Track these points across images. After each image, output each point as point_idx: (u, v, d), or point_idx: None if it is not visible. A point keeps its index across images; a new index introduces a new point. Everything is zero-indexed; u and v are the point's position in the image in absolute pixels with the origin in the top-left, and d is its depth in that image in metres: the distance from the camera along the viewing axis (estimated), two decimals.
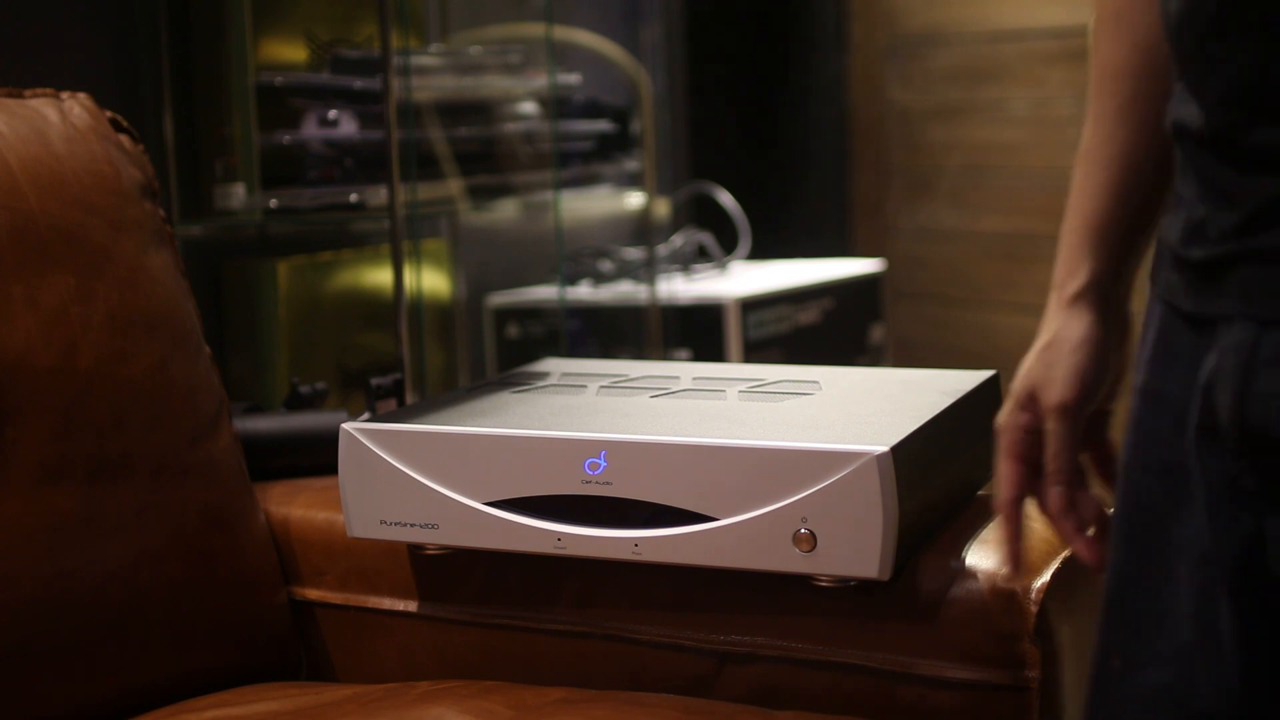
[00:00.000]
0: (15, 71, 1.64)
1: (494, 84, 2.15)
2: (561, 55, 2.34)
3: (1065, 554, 1.09)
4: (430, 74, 2.02)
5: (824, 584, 1.10)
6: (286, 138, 1.86)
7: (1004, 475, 0.97)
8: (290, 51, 1.92)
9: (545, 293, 2.39)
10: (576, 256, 2.45)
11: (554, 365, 1.45)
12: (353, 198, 1.85)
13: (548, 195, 2.20)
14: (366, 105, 1.88)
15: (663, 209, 2.62)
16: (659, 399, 1.27)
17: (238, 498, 1.33)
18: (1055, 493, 0.95)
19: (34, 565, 1.17)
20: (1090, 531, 0.95)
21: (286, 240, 2.01)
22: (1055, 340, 0.95)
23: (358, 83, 1.88)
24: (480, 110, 2.12)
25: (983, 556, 1.08)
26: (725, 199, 2.69)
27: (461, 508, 1.18)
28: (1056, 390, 0.95)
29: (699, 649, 1.17)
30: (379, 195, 1.85)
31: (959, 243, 3.02)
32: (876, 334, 2.63)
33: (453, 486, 1.19)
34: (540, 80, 2.21)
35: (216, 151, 1.85)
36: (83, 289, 1.24)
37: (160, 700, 1.23)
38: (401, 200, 1.81)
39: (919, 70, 3.10)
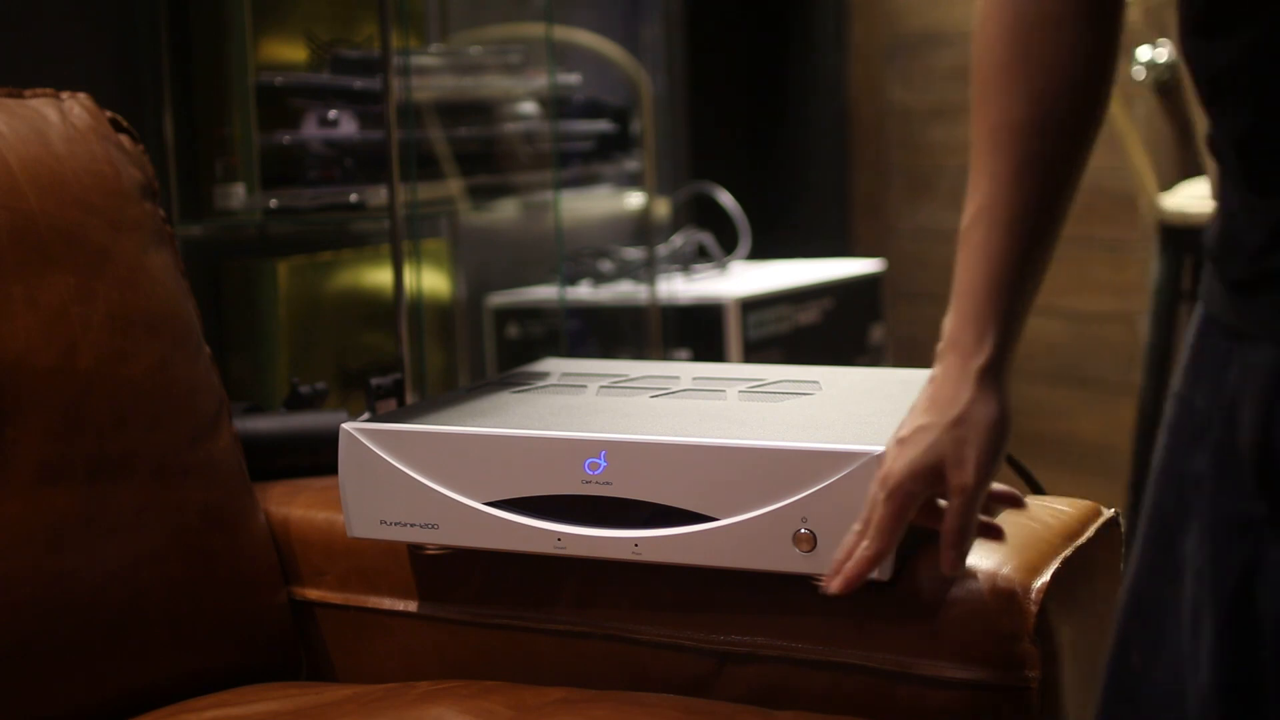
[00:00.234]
0: (15, 71, 1.64)
1: (494, 84, 2.15)
2: (561, 55, 2.34)
3: (1065, 554, 1.09)
4: (430, 74, 2.02)
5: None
6: (286, 138, 1.86)
7: (886, 532, 0.99)
8: (290, 51, 1.92)
9: (545, 293, 2.39)
10: (576, 256, 2.45)
11: (554, 365, 1.45)
12: (353, 198, 1.85)
13: (548, 195, 2.20)
14: (366, 105, 1.87)
15: (663, 209, 2.62)
16: (659, 399, 1.27)
17: (238, 498, 1.33)
18: (951, 556, 0.99)
19: (34, 565, 1.17)
20: None
21: (286, 240, 2.01)
22: (967, 419, 0.95)
23: (358, 83, 1.88)
24: (480, 110, 2.12)
25: (983, 557, 1.08)
26: (725, 199, 2.69)
27: (461, 508, 1.18)
28: (969, 472, 0.96)
29: (699, 649, 1.17)
30: (379, 195, 1.85)
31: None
32: (876, 334, 2.63)
33: (453, 486, 1.19)
34: (540, 80, 2.21)
35: (216, 151, 1.85)
36: (83, 289, 1.24)
37: (160, 700, 1.23)
38: (401, 200, 1.81)
39: (919, 70, 3.10)
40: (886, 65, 3.17)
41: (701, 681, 1.17)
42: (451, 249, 2.24)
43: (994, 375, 0.95)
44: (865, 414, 1.17)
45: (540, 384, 1.35)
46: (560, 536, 1.16)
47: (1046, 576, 1.06)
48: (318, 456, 1.46)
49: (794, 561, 1.08)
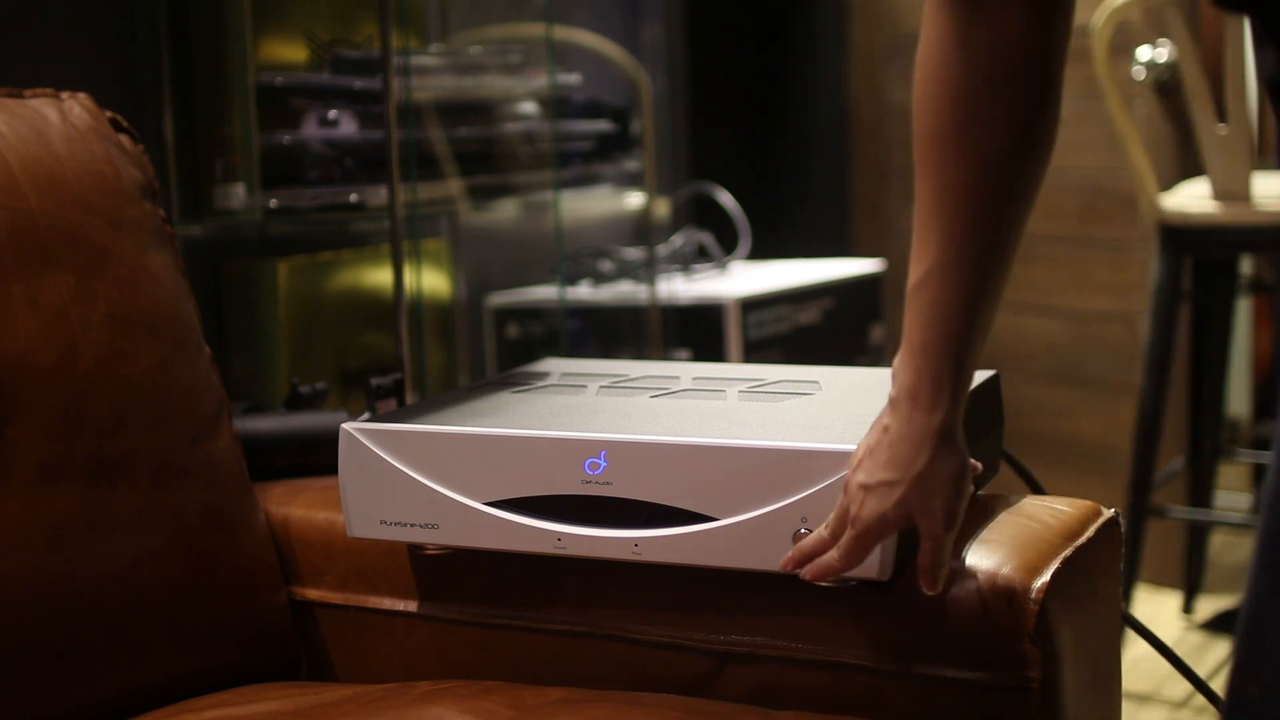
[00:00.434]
0: (15, 71, 1.64)
1: (494, 84, 2.15)
2: (561, 55, 2.34)
3: (1065, 554, 1.09)
4: (430, 74, 2.02)
5: (824, 584, 1.10)
6: (286, 138, 1.86)
7: (854, 556, 1.04)
8: (290, 51, 1.92)
9: (545, 293, 2.39)
10: (576, 256, 2.45)
11: (554, 365, 1.45)
12: (353, 198, 1.85)
13: (548, 195, 2.20)
14: (366, 105, 1.87)
15: (663, 209, 2.62)
16: (659, 399, 1.27)
17: (238, 498, 1.33)
18: (929, 580, 1.04)
19: (34, 565, 1.17)
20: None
21: (286, 240, 2.01)
22: (930, 475, 0.99)
23: (358, 83, 1.88)
24: (480, 110, 2.12)
25: (983, 556, 1.08)
26: (725, 199, 2.69)
27: (461, 508, 1.18)
28: (939, 521, 1.01)
29: (699, 649, 1.17)
30: (379, 195, 1.85)
31: None
32: (876, 334, 2.63)
33: (453, 486, 1.19)
34: (540, 80, 2.21)
35: (216, 151, 1.85)
36: (83, 289, 1.24)
37: (160, 700, 1.23)
38: (401, 200, 1.81)
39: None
40: (886, 65, 3.17)
41: (701, 681, 1.17)
42: (451, 249, 2.24)
43: (952, 429, 0.99)
44: (865, 414, 1.17)
45: (540, 384, 1.35)
46: (560, 536, 1.16)
47: (1046, 576, 1.06)
48: (318, 456, 1.46)
49: None
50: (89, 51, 1.80)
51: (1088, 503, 1.19)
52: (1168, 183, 2.57)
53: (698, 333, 2.29)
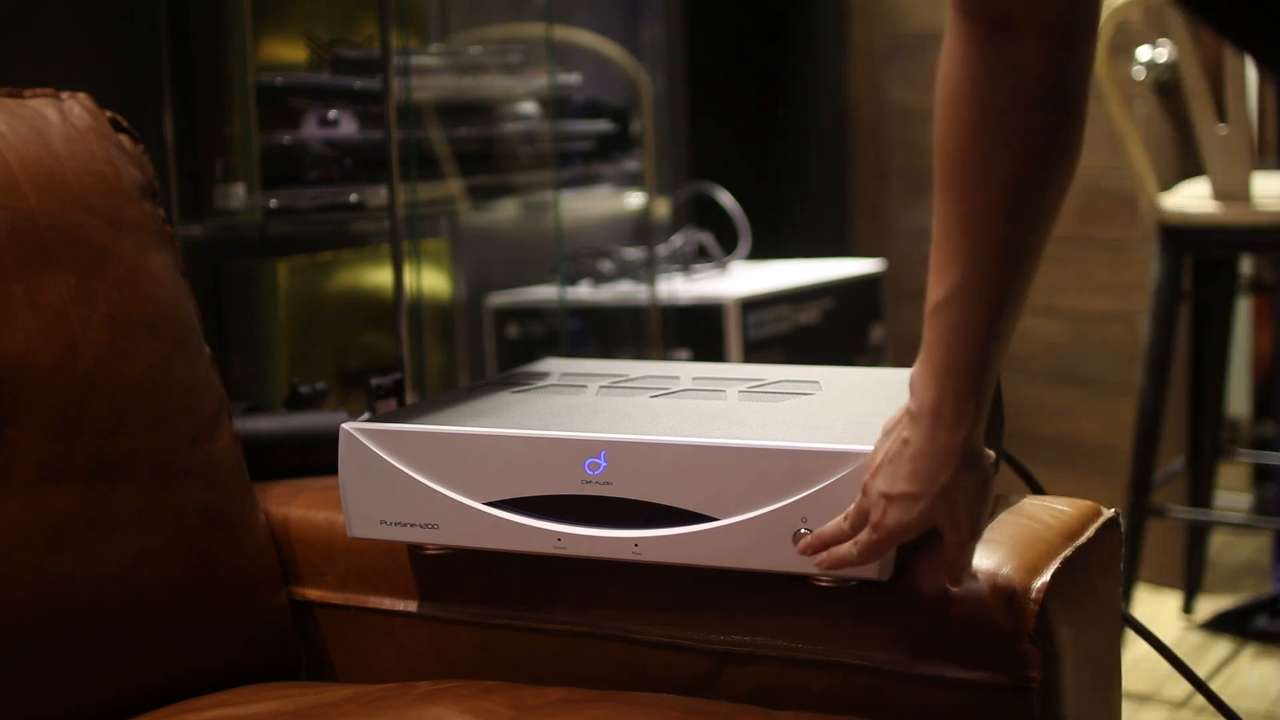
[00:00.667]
0: (15, 71, 1.64)
1: (494, 84, 2.15)
2: (561, 55, 2.34)
3: (1065, 554, 1.09)
4: (430, 74, 2.02)
5: (824, 584, 1.10)
6: (286, 138, 1.86)
7: (873, 554, 1.05)
8: (290, 51, 1.92)
9: (545, 293, 2.39)
10: (576, 256, 2.45)
11: (554, 365, 1.45)
12: (353, 198, 1.85)
13: (548, 195, 2.20)
14: (366, 105, 1.88)
15: (663, 209, 2.62)
16: (659, 399, 1.27)
17: (238, 498, 1.33)
18: (953, 577, 1.05)
19: (34, 565, 1.17)
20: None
21: (286, 240, 2.01)
22: (955, 487, 1.00)
23: (358, 83, 1.88)
24: (480, 110, 2.12)
25: (983, 556, 1.08)
26: (725, 199, 2.69)
27: (461, 508, 1.18)
28: (964, 529, 1.02)
29: (699, 649, 1.17)
30: (379, 195, 1.85)
31: None
32: (876, 334, 2.63)
33: (453, 486, 1.19)
34: (540, 80, 2.21)
35: (216, 151, 1.85)
36: (83, 289, 1.24)
37: (160, 700, 1.23)
38: (401, 200, 1.81)
39: (919, 70, 3.10)
40: (886, 65, 3.17)
41: (701, 681, 1.17)
42: (451, 249, 2.24)
43: (975, 445, 1.00)
44: (865, 414, 1.17)
45: (540, 384, 1.35)
46: (560, 536, 1.16)
47: (1046, 576, 1.06)
48: (318, 456, 1.46)
49: (794, 561, 1.08)
50: (89, 51, 1.80)
51: (1088, 503, 1.19)
52: (1168, 183, 2.57)
53: (698, 333, 2.29)
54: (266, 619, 1.32)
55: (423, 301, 2.04)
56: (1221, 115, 2.28)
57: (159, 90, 1.83)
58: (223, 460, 1.32)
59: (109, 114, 1.38)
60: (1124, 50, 2.60)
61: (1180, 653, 2.39)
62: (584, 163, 2.34)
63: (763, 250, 2.70)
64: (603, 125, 2.36)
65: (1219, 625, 2.65)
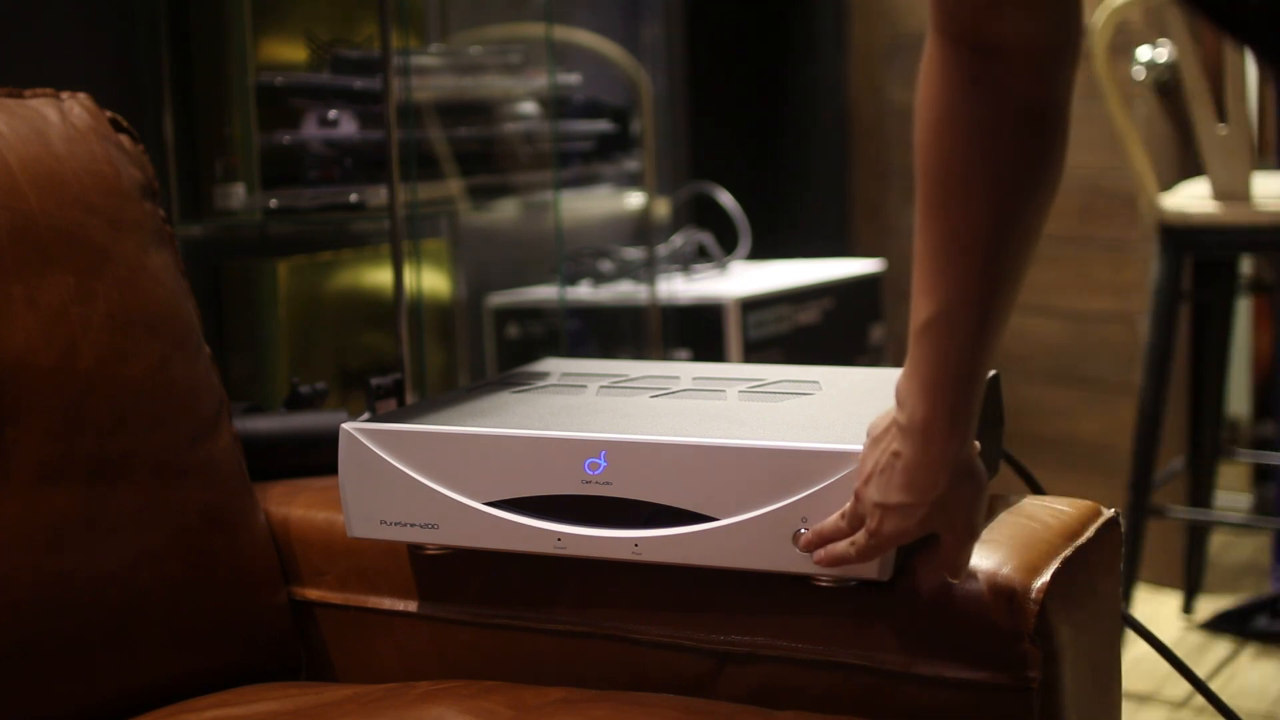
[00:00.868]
0: (15, 71, 1.64)
1: (494, 84, 2.15)
2: (561, 55, 2.34)
3: (1065, 554, 1.09)
4: (430, 74, 2.02)
5: (824, 584, 1.10)
6: (286, 138, 1.86)
7: (870, 555, 1.05)
8: (290, 51, 1.92)
9: (545, 293, 2.39)
10: (576, 256, 2.45)
11: (554, 365, 1.45)
12: (353, 198, 1.85)
13: (548, 195, 2.20)
14: (366, 105, 1.87)
15: (663, 209, 2.62)
16: (659, 399, 1.27)
17: (238, 498, 1.33)
18: (953, 573, 1.06)
19: (34, 565, 1.17)
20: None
21: (286, 240, 2.01)
22: (950, 497, 1.00)
23: (358, 83, 1.88)
24: (480, 110, 2.12)
25: (983, 556, 1.08)
26: (725, 199, 2.69)
27: (461, 508, 1.18)
28: (961, 532, 1.03)
29: (699, 649, 1.17)
30: (379, 195, 1.85)
31: None
32: (876, 334, 2.63)
33: (453, 486, 1.19)
34: (540, 80, 2.21)
35: (216, 151, 1.85)
36: (83, 289, 1.24)
37: (160, 700, 1.23)
38: (401, 200, 1.81)
39: (919, 70, 3.10)
40: (886, 65, 3.17)
41: (701, 681, 1.17)
42: (451, 249, 2.24)
43: (969, 452, 1.00)
44: (865, 414, 1.17)
45: (540, 384, 1.35)
46: (560, 536, 1.16)
47: (1046, 576, 1.06)
48: (318, 456, 1.46)
49: (794, 561, 1.08)
50: (89, 51, 1.80)
51: (1088, 503, 1.19)
52: (1168, 183, 2.57)
53: (698, 333, 2.29)
54: (266, 619, 1.32)
55: (423, 301, 2.04)
56: (1221, 115, 2.28)
57: (159, 90, 1.83)
58: (223, 460, 1.32)
59: (109, 114, 1.38)
60: (1124, 50, 2.60)
61: (1180, 653, 2.39)
62: (584, 163, 2.34)
63: (763, 250, 2.70)
64: (603, 125, 2.36)
65: (1219, 625, 2.65)
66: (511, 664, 1.24)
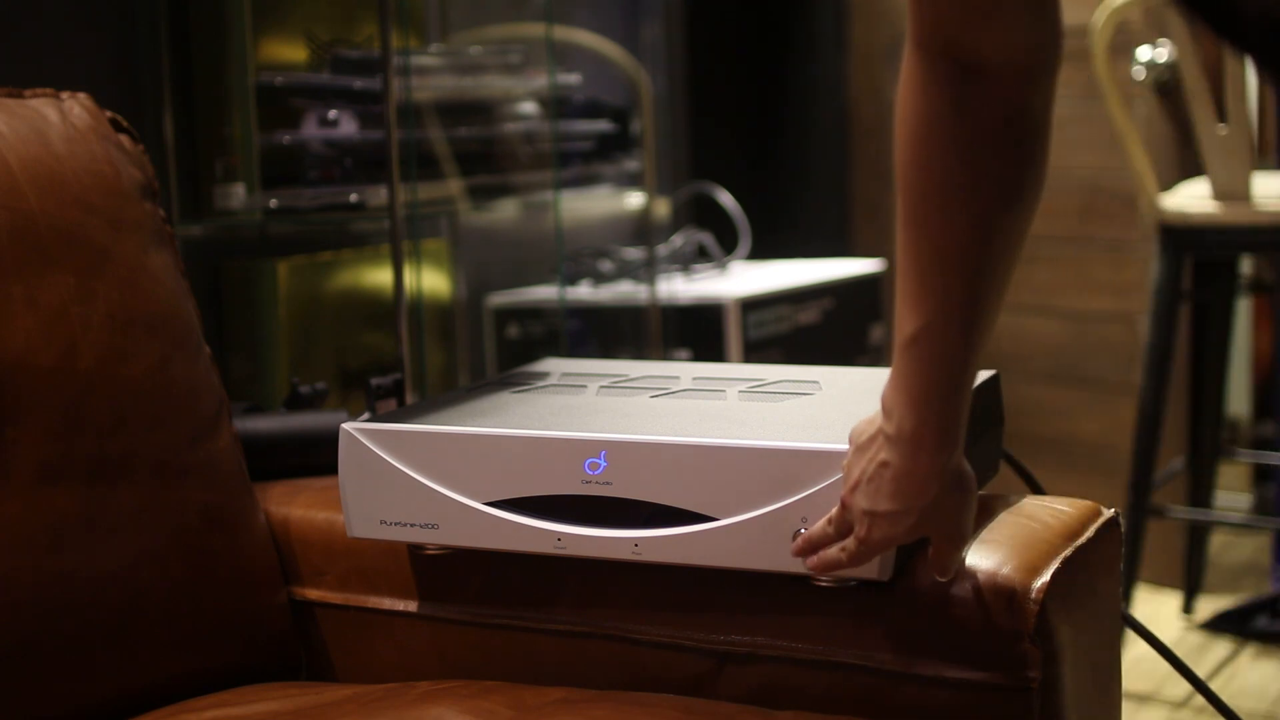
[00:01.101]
0: (15, 71, 1.64)
1: (494, 84, 2.15)
2: (561, 55, 2.34)
3: (1065, 554, 1.09)
4: (430, 74, 2.02)
5: (824, 584, 1.10)
6: (286, 138, 1.86)
7: (861, 560, 1.06)
8: (290, 51, 1.92)
9: (545, 293, 2.39)
10: (576, 256, 2.45)
11: (554, 365, 1.45)
12: (353, 198, 1.85)
13: (548, 195, 2.20)
14: (366, 105, 1.87)
15: (663, 209, 2.62)
16: (659, 399, 1.27)
17: (238, 498, 1.33)
18: (943, 573, 1.07)
19: (34, 565, 1.17)
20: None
21: (286, 240, 2.01)
22: (940, 504, 1.01)
23: (358, 83, 1.88)
24: (480, 110, 2.12)
25: (982, 556, 1.08)
26: (725, 199, 2.69)
27: (461, 508, 1.18)
28: (954, 537, 1.04)
29: (699, 649, 1.17)
30: (379, 195, 1.85)
31: None
32: (876, 334, 2.63)
33: (453, 486, 1.19)
34: (540, 80, 2.21)
35: (216, 151, 1.85)
36: (83, 289, 1.24)
37: (160, 700, 1.23)
38: (401, 200, 1.81)
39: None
40: (886, 65, 3.17)
41: (701, 681, 1.17)
42: (451, 249, 2.24)
43: (958, 461, 1.00)
44: (865, 414, 1.17)
45: (540, 384, 1.35)
46: (560, 536, 1.16)
47: (1046, 576, 1.06)
48: (318, 456, 1.46)
49: (794, 562, 1.08)
50: (89, 51, 1.80)
51: (1088, 503, 1.19)
52: (1168, 183, 2.57)
53: (698, 333, 2.29)
54: (266, 619, 1.32)
55: (423, 301, 2.04)
56: (1221, 115, 2.28)
57: (159, 90, 1.83)
58: (223, 460, 1.32)
59: (109, 114, 1.38)
60: (1124, 50, 2.60)
61: (1180, 653, 2.39)
62: (584, 163, 2.34)
63: (763, 250, 2.70)
64: (603, 125, 2.36)
65: (1219, 625, 2.65)
66: (511, 664, 1.24)
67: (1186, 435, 2.81)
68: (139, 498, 1.24)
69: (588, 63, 2.47)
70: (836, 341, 2.52)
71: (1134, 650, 2.25)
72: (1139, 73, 2.64)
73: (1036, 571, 1.07)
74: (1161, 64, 2.61)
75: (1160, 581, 2.84)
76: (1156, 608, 2.77)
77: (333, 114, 1.87)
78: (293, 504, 1.37)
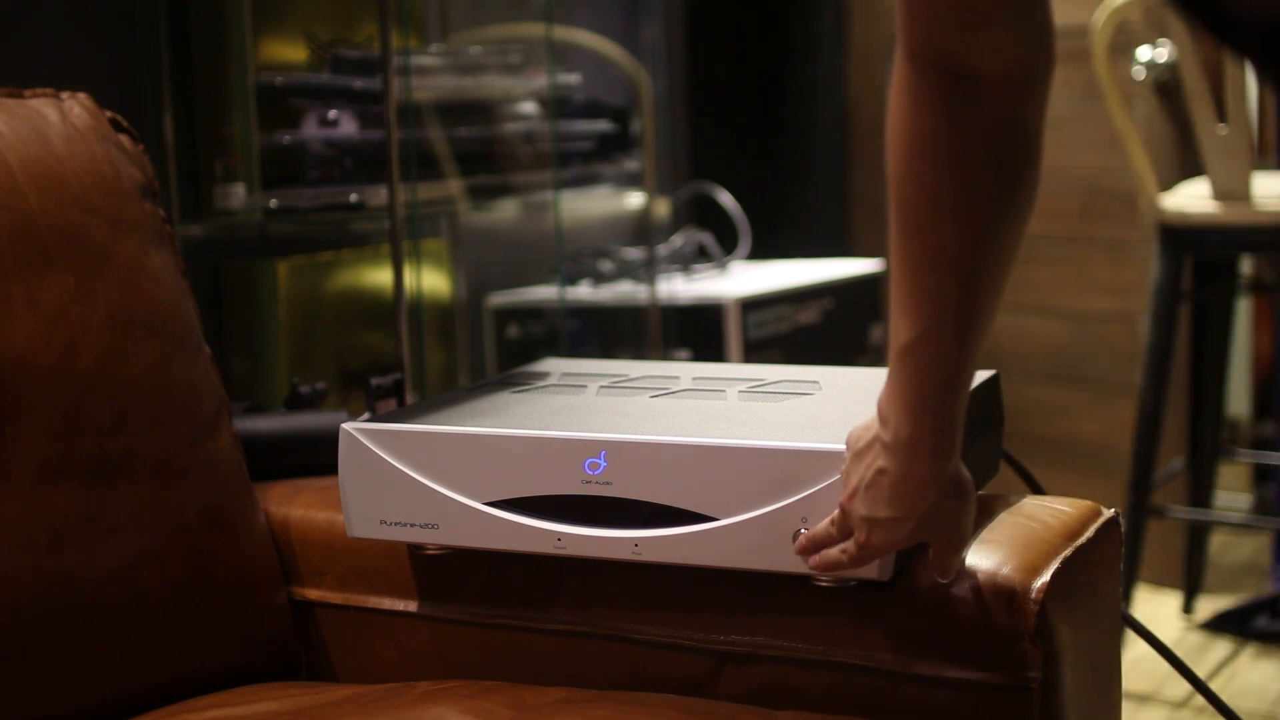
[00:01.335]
0: (15, 71, 1.64)
1: (494, 84, 2.15)
2: (561, 55, 2.34)
3: (1065, 554, 1.09)
4: (430, 74, 2.02)
5: (824, 584, 1.10)
6: (286, 138, 1.86)
7: (862, 563, 1.06)
8: (290, 51, 1.92)
9: (545, 293, 2.39)
10: (576, 256, 2.45)
11: (554, 365, 1.45)
12: (353, 198, 1.85)
13: (548, 195, 2.20)
14: (366, 105, 1.87)
15: (663, 209, 2.62)
16: (659, 399, 1.27)
17: (238, 498, 1.33)
18: (943, 575, 1.07)
19: (34, 565, 1.17)
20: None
21: (286, 240, 2.01)
22: (939, 510, 1.01)
23: (358, 83, 1.88)
24: (480, 110, 2.12)
25: (982, 556, 1.08)
26: (725, 199, 2.69)
27: (461, 508, 1.18)
28: (953, 542, 1.04)
29: (699, 649, 1.17)
30: (379, 195, 1.85)
31: None
32: (876, 334, 2.63)
33: (453, 486, 1.19)
34: (540, 80, 2.21)
35: (216, 151, 1.85)
36: (83, 289, 1.24)
37: (160, 700, 1.23)
38: (401, 200, 1.81)
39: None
40: (886, 65, 3.16)
41: (701, 681, 1.17)
42: (451, 249, 2.24)
43: (956, 466, 1.00)
44: (865, 414, 1.17)
45: (540, 384, 1.35)
46: (560, 536, 1.16)
47: (1046, 576, 1.06)
48: (318, 456, 1.46)
49: (794, 561, 1.08)
50: (89, 51, 1.80)
51: (1088, 503, 1.19)
52: (1168, 183, 2.57)
53: (698, 333, 2.29)
54: (266, 619, 1.32)
55: (423, 301, 2.04)
56: (1221, 115, 2.28)
57: (159, 90, 1.83)
58: (223, 460, 1.32)
59: (109, 114, 1.38)
60: (1124, 50, 2.60)
61: (1180, 653, 2.39)
62: (584, 163, 2.34)
63: (763, 250, 2.70)
64: (603, 125, 2.36)
65: (1219, 625, 2.65)
66: (511, 664, 1.24)
67: (1186, 435, 2.81)
68: (139, 498, 1.24)
69: (588, 63, 2.47)
70: (836, 341, 2.52)
71: (1134, 650, 2.25)
72: (1139, 73, 2.64)
73: (1036, 571, 1.07)
74: (1161, 64, 2.61)
75: (1160, 581, 2.84)
76: (1156, 608, 2.77)
77: (333, 114, 1.87)
78: (293, 504, 1.37)
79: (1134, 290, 2.83)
